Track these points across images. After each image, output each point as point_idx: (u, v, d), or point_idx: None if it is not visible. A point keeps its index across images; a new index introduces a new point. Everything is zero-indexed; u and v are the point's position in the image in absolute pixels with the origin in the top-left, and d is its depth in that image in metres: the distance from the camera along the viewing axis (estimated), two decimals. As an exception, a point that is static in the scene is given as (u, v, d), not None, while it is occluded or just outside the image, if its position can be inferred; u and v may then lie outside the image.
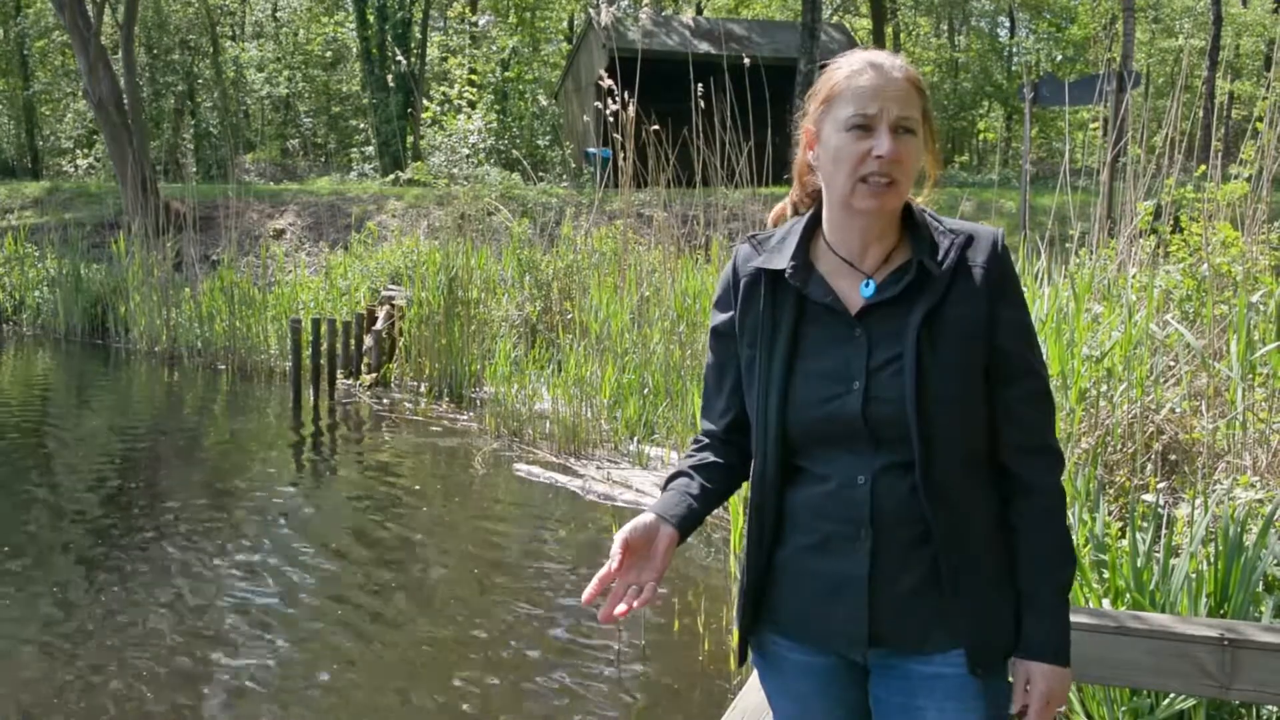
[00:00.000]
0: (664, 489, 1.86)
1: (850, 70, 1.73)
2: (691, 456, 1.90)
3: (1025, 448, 1.74)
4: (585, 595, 1.68)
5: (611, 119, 9.58)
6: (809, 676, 1.84)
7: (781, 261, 1.79)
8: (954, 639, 1.71)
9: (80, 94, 25.49)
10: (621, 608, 1.70)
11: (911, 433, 1.67)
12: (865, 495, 1.71)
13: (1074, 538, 1.82)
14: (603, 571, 1.69)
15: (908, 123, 1.70)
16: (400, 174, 18.64)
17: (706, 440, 1.90)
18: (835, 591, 1.74)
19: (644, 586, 1.72)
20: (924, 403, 1.66)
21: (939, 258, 1.72)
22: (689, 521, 1.80)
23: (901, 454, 1.68)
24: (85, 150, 29.45)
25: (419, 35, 27.41)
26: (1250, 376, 4.88)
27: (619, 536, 1.72)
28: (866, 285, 1.75)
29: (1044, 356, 1.83)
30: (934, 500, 1.68)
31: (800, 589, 1.79)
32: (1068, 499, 3.98)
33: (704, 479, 1.85)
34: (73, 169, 28.15)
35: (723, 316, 1.86)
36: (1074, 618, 2.46)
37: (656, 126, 9.29)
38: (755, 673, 1.94)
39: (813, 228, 1.83)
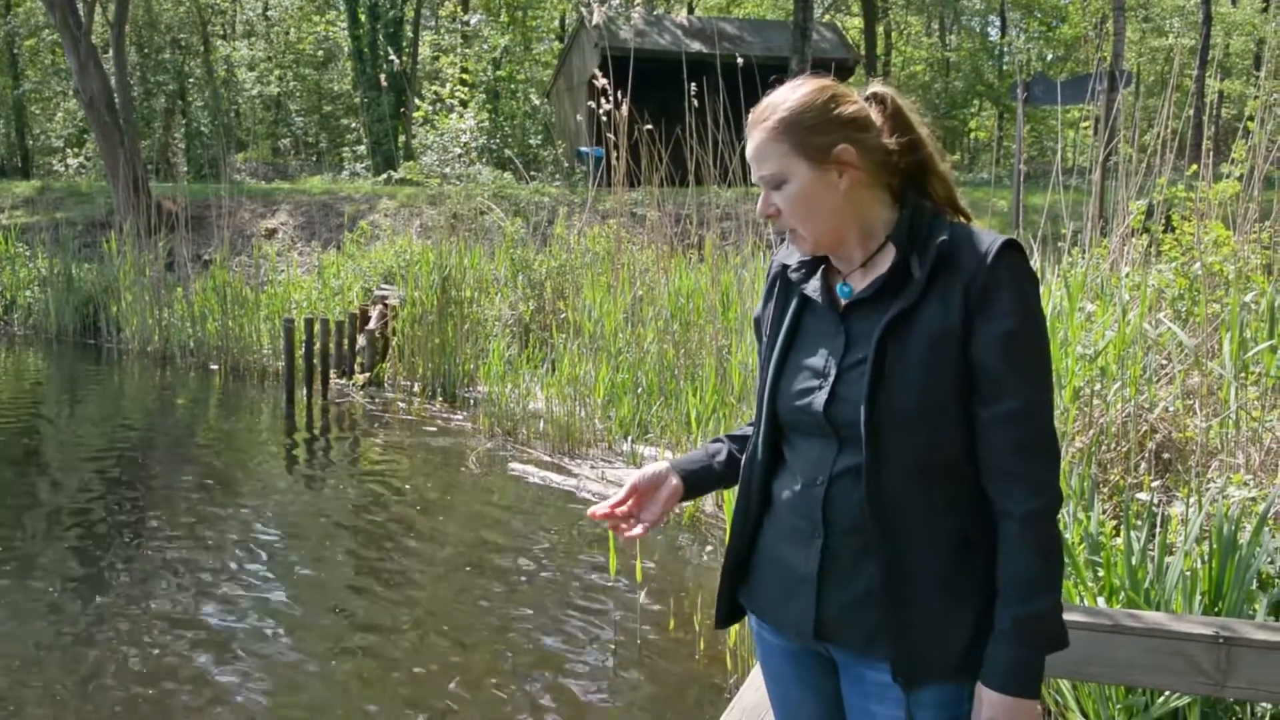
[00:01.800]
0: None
1: None
2: (739, 428, 2.02)
3: (996, 471, 1.67)
4: (592, 511, 1.87)
5: (604, 118, 9.59)
6: (785, 659, 1.90)
7: (794, 258, 1.86)
8: (888, 649, 1.71)
9: (71, 93, 25.38)
10: (618, 526, 1.89)
11: (861, 434, 1.67)
12: (820, 496, 1.74)
13: (1057, 562, 1.72)
14: (612, 501, 1.88)
15: (769, 180, 1.74)
16: (392, 173, 18.62)
17: (747, 425, 2.01)
18: (793, 583, 1.79)
19: (641, 524, 1.89)
20: (877, 406, 1.66)
21: (921, 260, 1.70)
22: (699, 478, 1.94)
23: (859, 456, 1.69)
24: (76, 149, 29.36)
25: (410, 34, 27.39)
26: (1243, 375, 4.89)
27: (629, 481, 1.89)
28: (844, 285, 1.79)
29: (1039, 375, 1.73)
30: (876, 507, 1.67)
31: (770, 575, 1.85)
32: (1062, 499, 4.00)
33: (735, 447, 1.98)
34: (63, 168, 28.07)
35: (758, 309, 1.96)
36: (1069, 616, 2.47)
37: (649, 125, 9.29)
38: (753, 672, 1.97)
39: None
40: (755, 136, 1.75)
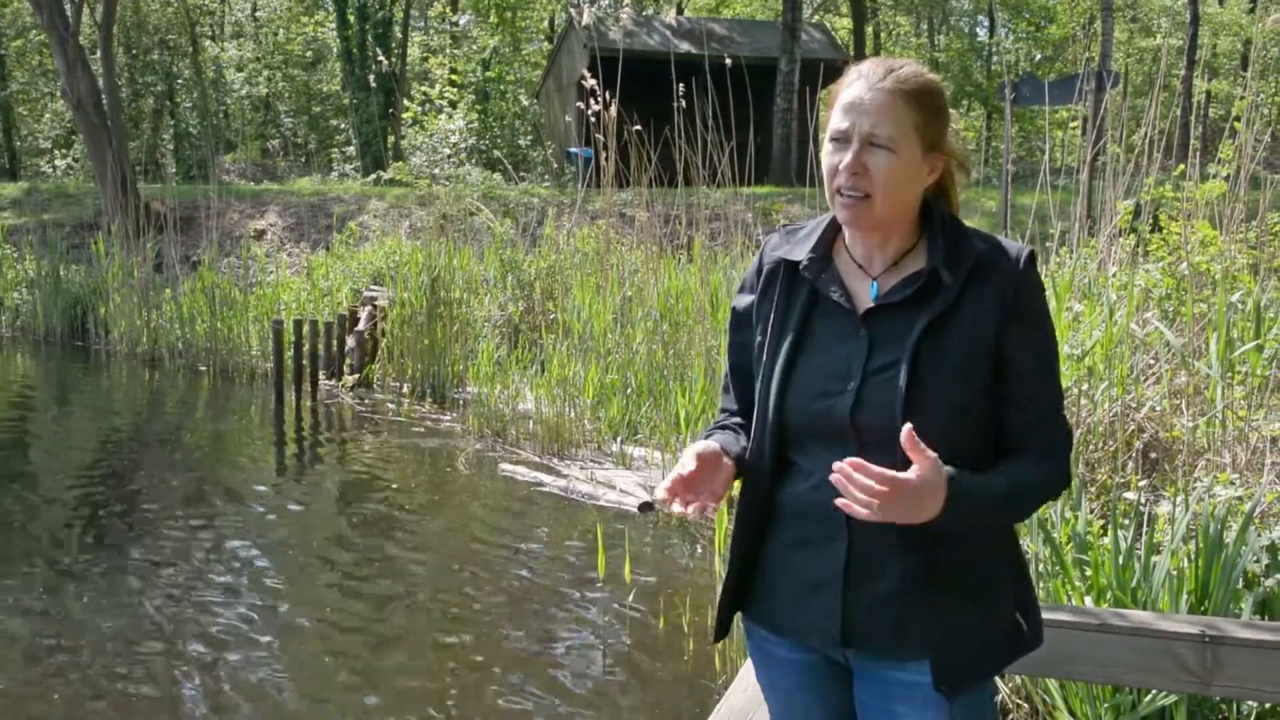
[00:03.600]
0: (707, 437, 1.85)
1: (846, 80, 1.73)
2: (724, 422, 1.91)
3: (1028, 449, 1.71)
4: (661, 491, 1.68)
5: (593, 119, 9.58)
6: (792, 671, 1.86)
7: (801, 253, 1.81)
8: (923, 650, 1.70)
9: (58, 94, 25.27)
10: (681, 508, 1.67)
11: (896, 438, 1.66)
12: None
13: (1031, 506, 1.79)
14: (676, 473, 1.68)
15: (877, 138, 1.67)
16: (381, 174, 18.58)
17: (726, 417, 1.92)
18: (812, 589, 1.75)
19: (704, 505, 1.69)
20: (913, 411, 1.64)
21: (955, 267, 1.70)
22: (741, 464, 1.81)
23: (885, 459, 1.64)
24: (64, 151, 29.25)
25: (400, 35, 27.37)
26: (1229, 374, 4.91)
27: (692, 448, 1.72)
28: (873, 288, 1.76)
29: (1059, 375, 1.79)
30: None
31: (782, 584, 1.80)
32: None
33: (737, 437, 1.86)
34: (51, 170, 27.95)
35: (744, 300, 1.88)
36: (1056, 615, 2.49)
37: (638, 126, 9.28)
38: (741, 673, 1.97)
39: (839, 224, 1.82)
40: (883, 91, 1.67)
